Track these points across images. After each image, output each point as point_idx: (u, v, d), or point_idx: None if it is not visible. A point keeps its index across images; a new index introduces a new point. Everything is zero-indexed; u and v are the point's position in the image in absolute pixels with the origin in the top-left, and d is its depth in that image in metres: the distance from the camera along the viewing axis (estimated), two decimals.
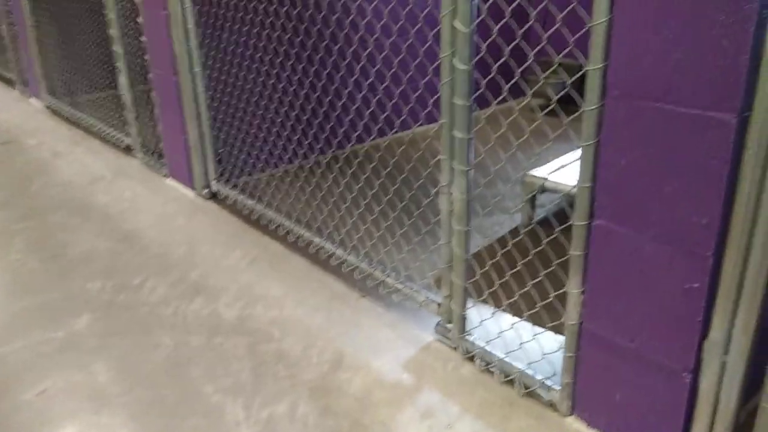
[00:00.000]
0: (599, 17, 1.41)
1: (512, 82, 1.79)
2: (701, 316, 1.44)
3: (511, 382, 1.96)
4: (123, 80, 3.85)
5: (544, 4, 1.58)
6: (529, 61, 1.60)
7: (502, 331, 2.01)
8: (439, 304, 2.19)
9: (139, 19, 3.47)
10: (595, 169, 1.54)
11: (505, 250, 2.05)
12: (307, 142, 3.10)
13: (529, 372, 1.91)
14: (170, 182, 3.72)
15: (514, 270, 1.98)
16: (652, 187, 1.44)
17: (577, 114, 1.57)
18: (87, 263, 2.81)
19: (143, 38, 3.49)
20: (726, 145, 1.29)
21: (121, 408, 1.94)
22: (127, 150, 4.22)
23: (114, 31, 3.75)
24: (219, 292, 2.56)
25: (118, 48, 3.77)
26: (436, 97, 1.96)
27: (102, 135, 4.52)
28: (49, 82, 5.29)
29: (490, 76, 1.85)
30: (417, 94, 2.25)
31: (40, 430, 1.86)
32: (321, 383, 2.01)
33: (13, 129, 4.87)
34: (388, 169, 2.60)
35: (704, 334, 1.46)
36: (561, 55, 1.48)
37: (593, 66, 1.45)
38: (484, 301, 2.23)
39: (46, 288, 2.62)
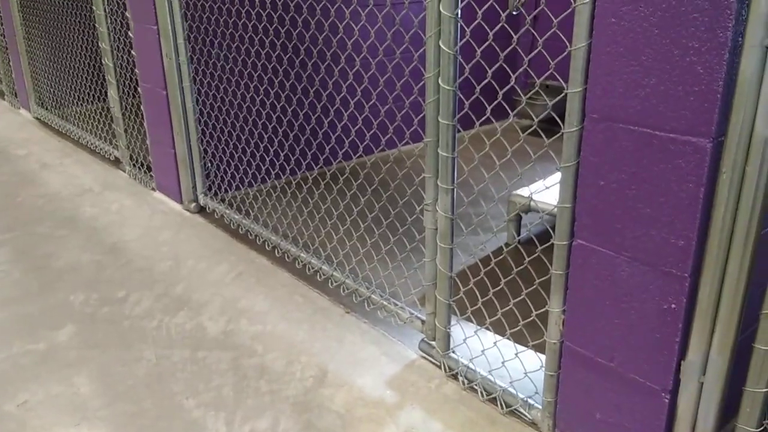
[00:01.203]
0: (579, 42, 1.45)
1: (495, 102, 1.82)
2: (679, 337, 1.46)
3: (493, 400, 1.97)
4: (113, 93, 3.87)
5: (525, 27, 1.61)
6: (511, 83, 1.63)
7: (485, 349, 2.02)
8: (423, 321, 2.20)
9: (130, 34, 3.49)
10: (575, 189, 1.57)
11: (488, 268, 2.07)
12: (294, 158, 3.12)
13: (512, 390, 1.92)
14: (158, 195, 3.72)
15: (497, 288, 2.00)
16: (630, 209, 1.46)
17: (557, 135, 1.60)
18: (71, 275, 2.80)
19: (133, 52, 3.51)
20: (701, 169, 1.32)
21: (102, 421, 1.93)
22: (116, 162, 4.22)
23: (105, 45, 3.77)
24: (203, 306, 2.56)
25: (108, 61, 3.79)
26: (421, 116, 1.98)
27: (91, 147, 4.52)
28: (39, 93, 5.29)
29: (473, 97, 1.88)
30: (402, 112, 2.27)
31: None
32: (303, 399, 2.01)
33: (1, 139, 4.86)
34: (374, 186, 2.62)
35: (682, 355, 1.48)
36: (543, 78, 1.51)
37: (573, 89, 1.48)
38: (468, 319, 2.24)
39: (29, 299, 2.60)
